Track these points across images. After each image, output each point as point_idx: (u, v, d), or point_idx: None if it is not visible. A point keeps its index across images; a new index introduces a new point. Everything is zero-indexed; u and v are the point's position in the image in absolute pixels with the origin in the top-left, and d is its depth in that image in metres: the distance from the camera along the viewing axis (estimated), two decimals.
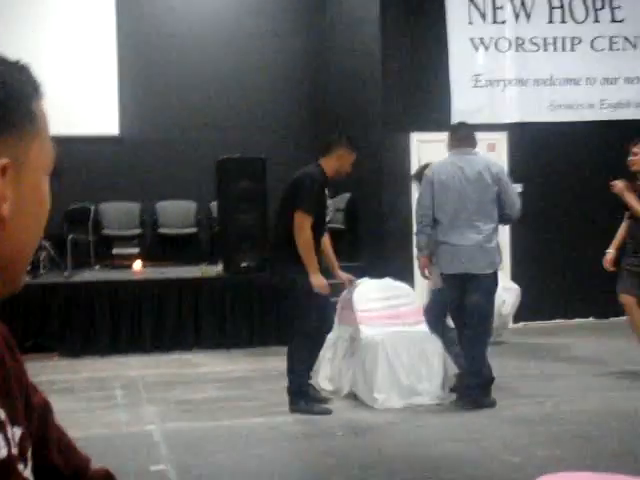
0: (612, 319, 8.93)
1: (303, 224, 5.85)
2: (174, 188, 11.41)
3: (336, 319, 6.75)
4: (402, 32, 10.08)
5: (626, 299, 6.87)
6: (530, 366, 7.59)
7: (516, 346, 8.22)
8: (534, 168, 10.02)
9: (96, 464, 1.21)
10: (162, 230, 11.52)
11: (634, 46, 10.55)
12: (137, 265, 10.05)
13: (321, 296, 5.94)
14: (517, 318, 9.16)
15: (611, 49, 10.52)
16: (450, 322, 6.55)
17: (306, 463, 5.05)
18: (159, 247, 11.45)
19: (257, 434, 5.60)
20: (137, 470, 4.59)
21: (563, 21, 10.40)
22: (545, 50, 10.40)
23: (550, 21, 10.37)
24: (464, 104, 10.06)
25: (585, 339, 8.85)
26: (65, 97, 10.32)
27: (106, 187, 11.27)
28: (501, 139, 10.19)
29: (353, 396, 6.39)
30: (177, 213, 11.61)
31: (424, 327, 6.47)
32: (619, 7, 10.48)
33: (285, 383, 6.11)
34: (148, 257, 10.71)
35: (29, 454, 1.00)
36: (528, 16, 10.33)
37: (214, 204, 10.61)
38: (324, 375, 6.68)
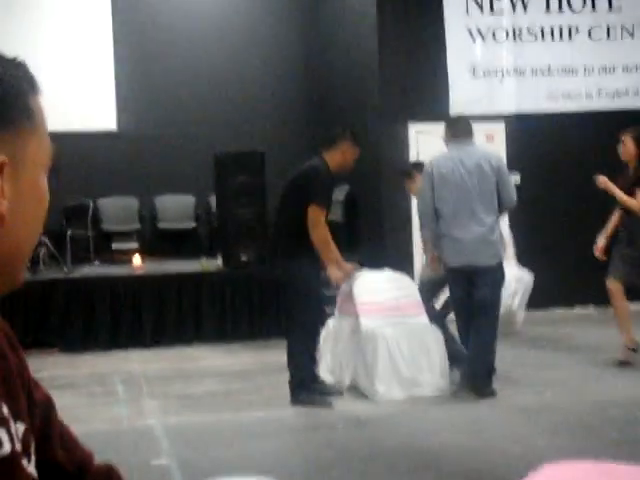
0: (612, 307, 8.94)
1: (318, 218, 5.87)
2: (172, 183, 11.41)
3: (336, 311, 6.77)
4: (399, 23, 10.07)
5: (615, 286, 6.89)
6: (530, 355, 7.60)
7: (516, 335, 8.22)
8: (532, 158, 10.01)
9: (98, 459, 1.21)
10: (161, 225, 11.52)
11: (632, 35, 10.54)
12: (136, 260, 10.05)
13: (319, 289, 5.97)
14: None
15: (608, 38, 10.51)
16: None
17: (307, 455, 5.06)
18: (158, 242, 11.45)
19: (258, 427, 5.61)
20: (139, 464, 4.59)
21: (560, 10, 10.38)
22: (543, 40, 10.39)
23: (547, 11, 10.36)
24: (462, 95, 10.06)
25: (585, 327, 8.86)
26: (62, 93, 10.32)
27: (104, 182, 11.26)
28: (499, 129, 10.18)
29: (354, 388, 6.39)
30: (176, 208, 11.61)
31: (424, 318, 6.48)
32: None
33: (286, 376, 6.12)
34: (147, 252, 10.71)
35: (32, 449, 1.01)
36: (525, 6, 10.32)
37: (213, 198, 10.61)
38: (325, 367, 6.69)
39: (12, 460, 0.95)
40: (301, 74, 12.05)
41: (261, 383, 6.88)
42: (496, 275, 6.24)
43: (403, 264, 8.30)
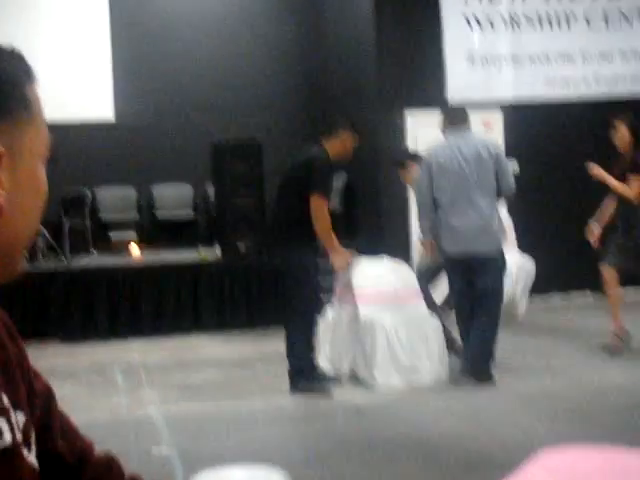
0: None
1: (321, 208, 5.91)
2: (170, 172, 11.39)
3: (335, 300, 6.78)
4: (396, 11, 10.04)
5: (609, 273, 6.90)
6: (529, 342, 7.62)
7: (514, 322, 8.23)
8: (530, 145, 10.01)
9: (98, 449, 1.21)
10: (159, 214, 11.51)
11: (629, 22, 10.52)
12: (134, 250, 10.05)
13: (317, 278, 6.03)
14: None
15: (606, 25, 10.48)
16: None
17: (307, 444, 5.07)
18: (156, 232, 11.44)
19: (258, 416, 5.62)
20: (139, 454, 4.61)
21: None
22: (540, 27, 10.37)
23: None
24: (459, 82, 10.05)
25: (582, 313, 8.88)
26: (59, 83, 10.29)
27: (102, 172, 11.25)
28: (497, 116, 10.17)
29: (353, 377, 6.41)
30: (174, 197, 11.60)
31: (423, 306, 6.50)
32: None
33: (285, 365, 6.13)
34: (146, 242, 10.71)
35: (33, 439, 1.01)
36: None
37: (211, 187, 10.60)
38: (324, 356, 6.70)
39: (13, 450, 0.95)
40: (298, 63, 12.02)
41: (260, 372, 6.90)
42: (497, 263, 6.26)
43: (401, 252, 8.31)
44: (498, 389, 6.04)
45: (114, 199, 11.38)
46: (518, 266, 8.74)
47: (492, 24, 10.23)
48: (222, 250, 9.33)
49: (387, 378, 6.14)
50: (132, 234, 10.96)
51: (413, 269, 6.98)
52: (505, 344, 6.58)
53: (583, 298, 9.81)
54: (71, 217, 10.19)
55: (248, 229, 9.10)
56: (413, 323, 6.33)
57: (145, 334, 8.66)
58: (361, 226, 10.51)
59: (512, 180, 6.34)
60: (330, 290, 6.85)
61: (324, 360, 6.66)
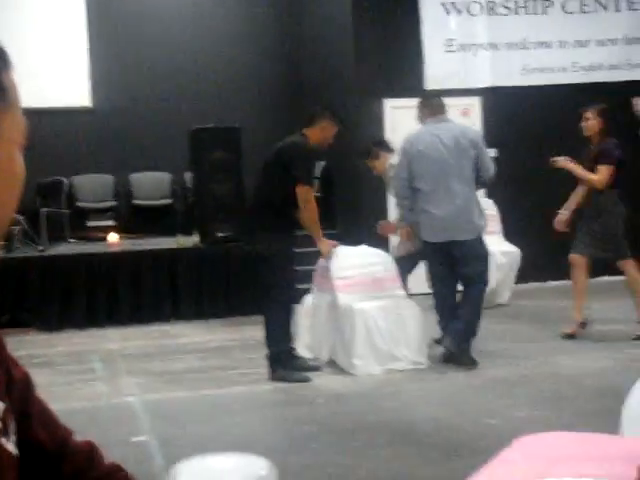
0: (590, 280, 9.02)
1: (308, 196, 5.97)
2: (148, 159, 11.34)
3: (314, 287, 6.78)
4: None
5: (579, 260, 6.96)
6: (506, 328, 7.66)
7: (492, 309, 8.27)
8: (508, 132, 10.04)
9: (78, 437, 1.21)
10: (137, 202, 11.46)
11: (605, 8, 10.56)
12: (112, 237, 10.00)
13: (293, 265, 6.07)
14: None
15: (582, 11, 10.52)
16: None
17: (287, 431, 5.08)
18: (134, 219, 11.39)
19: (237, 403, 5.63)
20: (118, 442, 4.60)
21: None
22: (517, 13, 10.39)
23: None
24: (437, 69, 10.05)
25: (560, 301, 8.93)
26: (36, 69, 10.20)
27: (79, 159, 11.17)
28: (474, 104, 10.20)
29: (332, 363, 6.42)
30: (151, 184, 11.55)
31: (401, 293, 6.52)
32: None
33: (264, 352, 6.14)
34: (123, 229, 10.66)
35: (12, 428, 1.00)
36: None
37: (188, 174, 10.56)
38: (303, 343, 6.71)
39: None
40: (276, 50, 11.97)
41: (239, 359, 6.90)
42: (477, 249, 6.30)
43: (379, 239, 8.31)
44: (476, 374, 6.08)
45: (91, 186, 11.31)
46: (503, 253, 8.82)
47: (469, 10, 10.24)
48: (200, 237, 9.31)
49: (366, 365, 6.16)
50: (109, 221, 10.91)
51: (392, 256, 6.99)
52: (484, 331, 6.62)
53: (561, 284, 9.85)
54: (48, 204, 10.13)
55: (226, 216, 9.08)
56: (391, 309, 6.35)
57: (123, 322, 8.64)
58: (339, 213, 10.51)
59: (491, 164, 6.41)
60: (308, 278, 6.86)
61: (303, 347, 6.67)
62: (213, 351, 7.34)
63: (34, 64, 10.25)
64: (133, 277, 8.87)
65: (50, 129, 10.31)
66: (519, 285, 9.30)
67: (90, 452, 1.19)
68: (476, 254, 6.30)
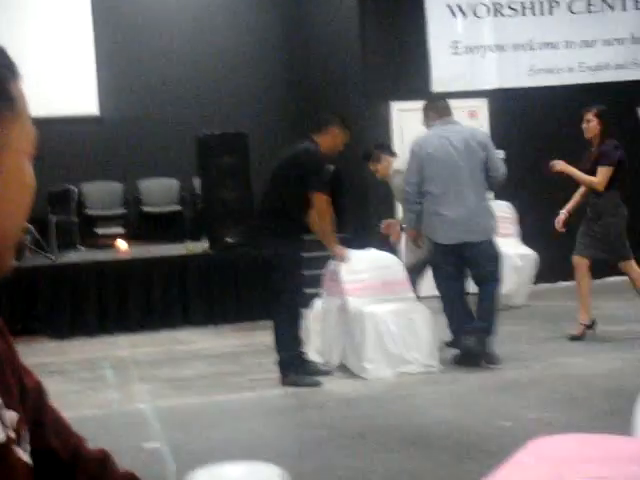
0: (596, 281, 9.00)
1: (324, 205, 6.01)
2: (156, 166, 11.36)
3: (324, 292, 6.78)
4: (380, 2, 10.03)
5: (581, 262, 6.94)
6: (516, 330, 7.64)
7: (505, 311, 8.25)
8: (515, 133, 10.03)
9: (90, 444, 1.21)
10: (146, 209, 11.48)
11: (611, 7, 10.54)
12: (122, 244, 10.02)
13: (301, 269, 6.10)
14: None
15: (589, 11, 10.50)
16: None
17: (298, 435, 5.08)
18: (143, 226, 11.42)
19: (248, 408, 5.63)
20: (130, 448, 4.60)
21: None
22: (523, 15, 10.38)
23: None
24: (443, 71, 10.05)
25: (572, 302, 8.90)
26: (43, 78, 10.24)
27: (88, 167, 11.21)
28: (482, 106, 10.19)
29: (343, 367, 6.42)
30: (160, 191, 11.57)
31: (411, 296, 6.52)
32: None
33: (274, 357, 6.14)
34: (133, 236, 10.69)
35: (26, 437, 1.00)
36: None
37: (197, 181, 10.58)
38: (314, 347, 6.70)
39: (6, 448, 0.94)
40: (282, 54, 11.99)
41: (250, 365, 6.90)
42: (488, 250, 6.31)
43: (384, 240, 8.30)
44: (488, 377, 6.07)
45: (100, 194, 11.34)
46: (520, 257, 8.82)
47: (475, 12, 10.23)
48: (209, 243, 9.32)
49: (377, 368, 6.15)
50: (119, 229, 10.94)
51: (401, 259, 6.98)
52: (497, 332, 6.61)
53: (571, 286, 9.82)
54: (57, 213, 10.15)
55: (235, 222, 9.09)
56: (401, 313, 6.34)
57: (134, 329, 8.65)
58: (348, 217, 10.51)
59: (501, 164, 6.43)
60: (318, 282, 6.86)
61: (314, 351, 6.67)
62: (223, 357, 7.34)
63: (41, 73, 10.29)
64: (143, 284, 8.89)
65: (58, 138, 10.34)
66: (532, 286, 9.28)
67: (103, 460, 1.19)
68: (487, 255, 6.32)
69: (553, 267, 9.65)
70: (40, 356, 7.44)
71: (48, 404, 1.13)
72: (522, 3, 10.35)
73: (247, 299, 8.96)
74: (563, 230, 7.11)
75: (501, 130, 9.89)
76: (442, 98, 6.90)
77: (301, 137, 6.31)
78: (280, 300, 6.05)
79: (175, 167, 11.28)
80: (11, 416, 0.97)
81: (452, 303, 6.45)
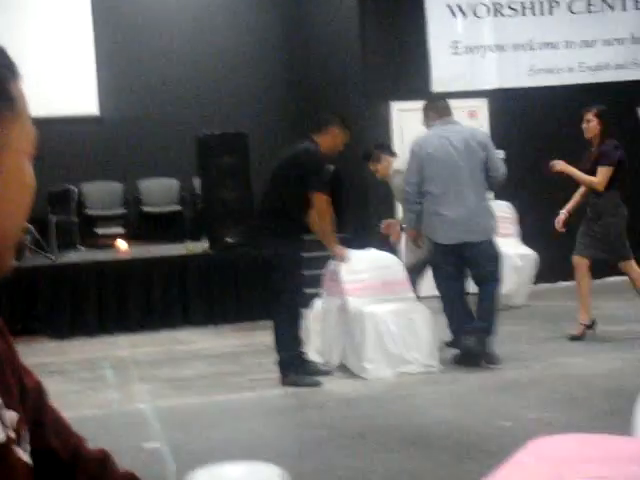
0: (596, 281, 9.01)
1: (325, 205, 6.01)
2: (156, 166, 11.36)
3: (324, 291, 6.78)
4: (380, 2, 10.03)
5: (581, 262, 6.94)
6: (516, 330, 7.64)
7: (504, 310, 8.25)
8: (516, 133, 10.03)
9: (90, 444, 1.21)
10: (146, 209, 11.49)
11: (611, 7, 10.54)
12: (122, 244, 10.02)
13: (301, 269, 6.10)
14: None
15: (589, 11, 10.51)
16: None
17: (298, 435, 5.08)
18: (143, 226, 11.42)
19: (248, 408, 5.63)
20: (130, 448, 4.60)
21: None
22: (523, 15, 10.38)
23: None
24: (443, 71, 10.05)
25: (571, 302, 8.90)
26: (43, 78, 10.24)
27: (88, 167, 11.21)
28: (482, 106, 10.19)
29: (343, 367, 6.42)
30: (160, 191, 11.57)
31: (411, 296, 6.52)
32: None
33: (274, 357, 6.14)
34: (133, 236, 10.69)
35: (26, 437, 1.00)
36: None
37: (197, 181, 10.58)
38: (314, 347, 6.70)
39: (6, 448, 0.94)
40: (282, 54, 11.99)
41: (250, 365, 6.90)
42: (488, 250, 6.32)
43: (388, 243, 8.31)
44: (487, 377, 6.07)
45: (100, 194, 11.34)
46: (520, 258, 8.82)
47: (475, 12, 10.23)
48: (209, 243, 9.32)
49: (377, 368, 6.16)
50: (119, 229, 10.94)
51: (401, 259, 6.98)
52: (497, 332, 6.61)
53: (571, 286, 9.82)
54: (57, 213, 10.15)
55: (235, 222, 9.09)
56: (401, 313, 6.35)
57: (134, 329, 8.65)
58: (348, 217, 10.51)
59: (501, 164, 6.45)
60: (317, 282, 6.86)
61: (314, 351, 6.67)
62: (223, 357, 7.35)
63: (41, 73, 10.29)
64: (143, 284, 8.89)
65: (58, 137, 10.34)
66: (532, 286, 9.28)
67: (103, 460, 1.19)
68: (487, 255, 6.32)
69: (553, 267, 9.65)
70: (40, 356, 7.44)
71: (48, 404, 1.13)
72: (522, 3, 10.35)
73: (247, 299, 8.96)
74: (563, 230, 7.12)
75: (501, 130, 9.89)
76: (442, 98, 6.91)
77: (301, 137, 6.31)
78: (280, 300, 6.05)
79: (175, 167, 11.28)
80: (11, 416, 0.97)
81: (452, 303, 6.46)
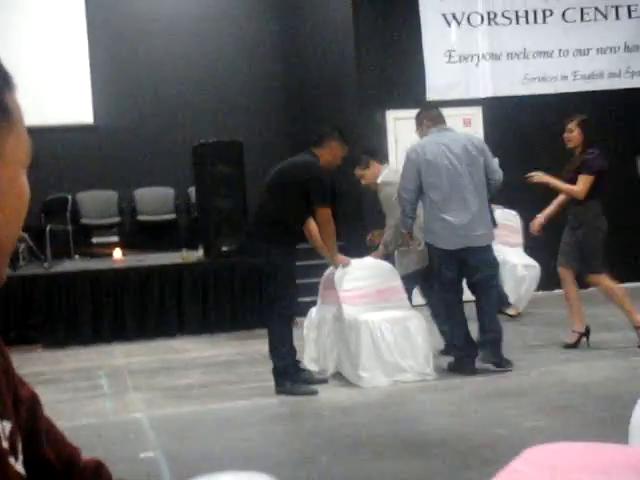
0: (590, 289, 9.02)
1: (328, 218, 6.05)
2: (151, 175, 11.36)
3: (319, 299, 6.78)
4: (375, 10, 10.05)
5: (564, 272, 6.94)
6: (514, 338, 7.64)
7: (506, 318, 8.26)
8: (510, 141, 10.04)
9: (85, 454, 1.21)
10: (141, 217, 11.48)
11: (605, 16, 10.58)
12: (117, 253, 10.01)
13: (295, 278, 6.11)
14: None
15: (582, 20, 10.54)
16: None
17: (294, 444, 5.07)
18: (138, 234, 11.41)
19: (244, 417, 5.62)
20: (126, 458, 4.59)
21: None
22: (517, 23, 10.41)
23: None
24: (438, 80, 10.07)
25: (567, 310, 8.92)
26: (38, 87, 10.24)
27: (83, 176, 11.21)
28: (476, 114, 10.21)
29: (339, 376, 6.41)
30: (155, 200, 11.57)
31: (407, 305, 6.52)
32: None
33: (270, 365, 6.13)
34: (128, 245, 10.68)
35: (19, 448, 1.00)
36: None
37: (192, 189, 10.58)
38: (309, 356, 6.70)
39: (0, 458, 0.94)
40: (278, 63, 12.01)
41: (245, 373, 6.89)
42: (488, 256, 6.35)
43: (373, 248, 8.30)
44: (483, 384, 6.07)
45: (95, 202, 11.34)
46: (524, 268, 8.81)
47: (469, 21, 10.26)
48: (205, 251, 9.31)
49: (372, 376, 6.15)
50: (114, 237, 10.94)
51: (396, 267, 6.97)
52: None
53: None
54: (52, 222, 10.15)
55: (230, 230, 9.08)
56: (397, 321, 6.34)
57: (129, 338, 8.64)
58: (343, 225, 10.50)
59: (499, 168, 6.48)
60: (313, 290, 6.86)
61: (309, 359, 6.66)
62: (219, 365, 7.33)
63: (36, 82, 10.29)
64: (138, 293, 8.88)
65: (53, 146, 10.34)
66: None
67: (97, 469, 1.19)
68: (487, 261, 6.37)
69: (549, 275, 9.66)
70: (35, 365, 7.42)
71: (42, 414, 1.13)
72: (516, 12, 10.38)
73: (242, 308, 8.95)
74: (538, 234, 7.15)
75: (495, 138, 9.89)
76: (434, 107, 6.93)
77: (296, 145, 6.31)
78: (274, 308, 6.05)
79: (170, 176, 11.29)
80: (5, 426, 0.97)
81: (452, 309, 6.43)
